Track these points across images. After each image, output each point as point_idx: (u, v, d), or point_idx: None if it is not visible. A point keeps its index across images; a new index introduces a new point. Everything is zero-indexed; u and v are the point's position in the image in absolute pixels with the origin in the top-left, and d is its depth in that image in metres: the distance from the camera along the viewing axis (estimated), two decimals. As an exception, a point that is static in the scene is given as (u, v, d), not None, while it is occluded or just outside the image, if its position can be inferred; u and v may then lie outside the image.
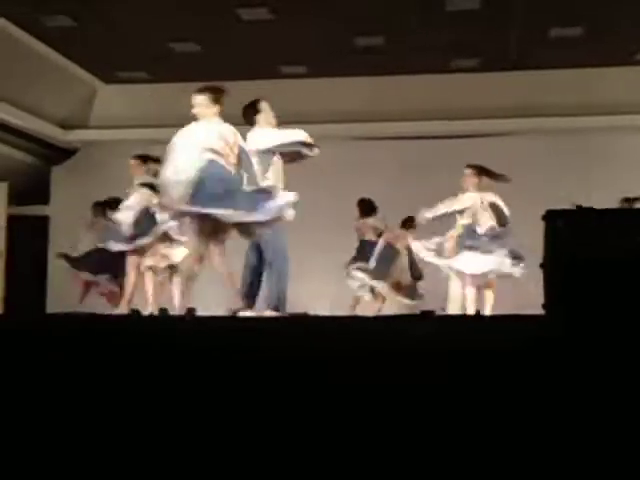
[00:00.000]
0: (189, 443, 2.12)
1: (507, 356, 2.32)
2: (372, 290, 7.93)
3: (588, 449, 2.01)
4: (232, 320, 4.41)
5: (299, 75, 9.44)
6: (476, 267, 6.66)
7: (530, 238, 6.60)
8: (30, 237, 10.11)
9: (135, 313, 6.48)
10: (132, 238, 6.43)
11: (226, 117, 5.47)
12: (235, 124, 5.23)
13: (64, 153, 10.61)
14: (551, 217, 2.78)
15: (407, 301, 7.91)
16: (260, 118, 5.33)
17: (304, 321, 4.39)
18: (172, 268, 6.63)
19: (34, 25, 8.09)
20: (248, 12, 7.75)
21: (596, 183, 8.88)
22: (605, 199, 6.79)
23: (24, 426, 2.25)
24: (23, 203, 10.31)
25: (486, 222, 6.81)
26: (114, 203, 7.53)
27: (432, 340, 2.56)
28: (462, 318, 6.38)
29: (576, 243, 2.64)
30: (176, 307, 6.38)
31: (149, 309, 6.51)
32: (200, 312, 5.77)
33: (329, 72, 9.30)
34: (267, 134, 5.22)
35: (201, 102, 5.03)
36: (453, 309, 6.87)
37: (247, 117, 5.37)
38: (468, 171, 6.94)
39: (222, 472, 2.09)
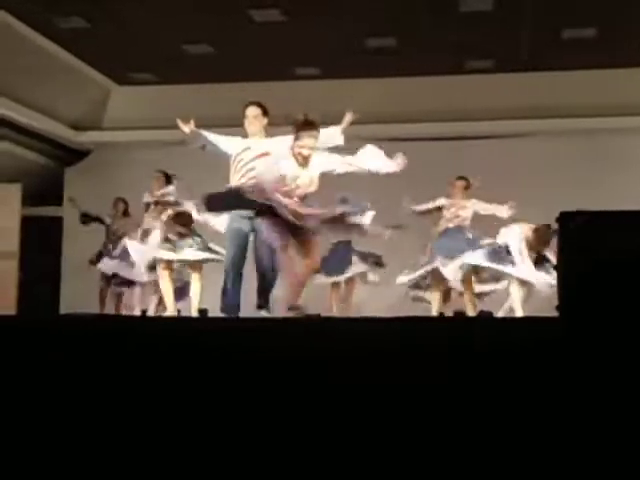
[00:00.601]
0: (194, 442, 2.13)
1: (519, 358, 2.31)
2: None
3: (601, 451, 2.00)
4: (243, 321, 4.42)
5: (312, 76, 9.45)
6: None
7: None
8: (43, 238, 10.16)
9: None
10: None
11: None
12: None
13: (77, 154, 10.66)
14: (565, 219, 2.77)
15: None
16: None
17: (307, 322, 4.39)
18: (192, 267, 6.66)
19: (47, 26, 8.14)
20: (260, 14, 7.76)
21: (609, 184, 8.85)
22: (618, 200, 6.79)
23: (34, 425, 2.27)
24: (36, 204, 10.37)
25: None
26: None
27: (446, 341, 2.55)
28: (479, 319, 6.37)
29: (590, 245, 2.63)
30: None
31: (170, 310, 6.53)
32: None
33: (342, 73, 9.30)
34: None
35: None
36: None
37: None
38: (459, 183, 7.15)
39: (226, 472, 2.09)
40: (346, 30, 8.08)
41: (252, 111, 5.33)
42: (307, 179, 4.77)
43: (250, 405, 2.21)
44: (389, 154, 9.86)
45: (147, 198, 7.31)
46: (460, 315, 7.57)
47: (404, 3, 7.49)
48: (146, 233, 6.99)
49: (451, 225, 7.05)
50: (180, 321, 5.07)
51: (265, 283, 5.14)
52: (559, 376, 2.22)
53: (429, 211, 7.22)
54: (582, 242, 2.65)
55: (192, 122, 5.34)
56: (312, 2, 7.48)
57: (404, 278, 7.17)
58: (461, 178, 7.22)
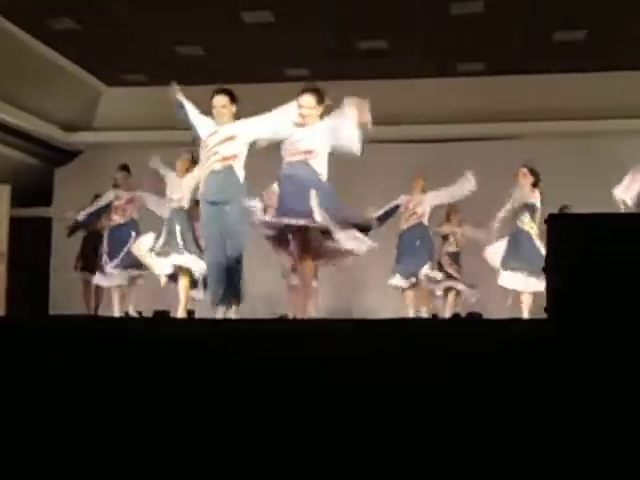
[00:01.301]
0: (192, 444, 2.12)
1: (508, 359, 2.32)
2: None
3: (590, 453, 2.01)
4: (231, 322, 4.42)
5: (302, 78, 9.44)
6: None
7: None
8: (33, 239, 10.13)
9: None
10: None
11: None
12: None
13: (68, 155, 10.63)
14: (553, 221, 2.78)
15: None
16: None
17: (304, 323, 4.39)
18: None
19: (38, 28, 8.11)
20: (251, 15, 7.76)
21: (600, 186, 8.87)
22: (607, 202, 6.82)
23: (24, 428, 2.25)
24: (26, 205, 10.33)
25: None
26: None
27: (434, 342, 2.56)
28: (466, 320, 6.39)
29: (578, 247, 2.64)
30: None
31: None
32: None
33: (333, 75, 9.30)
34: None
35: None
36: None
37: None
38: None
39: (225, 474, 2.08)
40: (337, 32, 8.09)
41: (220, 100, 5.22)
42: (308, 141, 4.74)
43: (249, 408, 2.20)
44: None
45: (110, 197, 7.34)
46: (455, 316, 7.60)
47: (395, 5, 7.50)
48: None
49: (411, 223, 7.11)
50: (176, 323, 5.06)
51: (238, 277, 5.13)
52: (547, 377, 2.23)
53: (390, 212, 7.23)
54: (570, 244, 2.66)
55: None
56: (303, 4, 7.47)
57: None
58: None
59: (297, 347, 2.48)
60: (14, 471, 2.08)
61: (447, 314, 7.45)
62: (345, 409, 2.11)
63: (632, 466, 1.96)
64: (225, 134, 5.13)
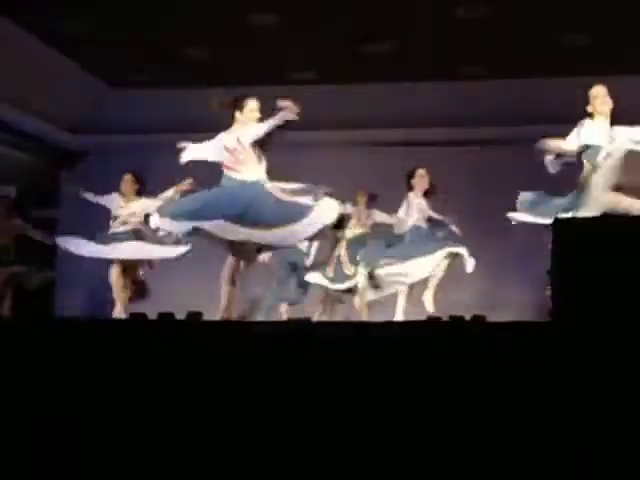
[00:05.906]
0: (188, 443, 2.13)
1: (512, 362, 2.32)
2: None
3: (593, 451, 2.01)
4: (234, 325, 4.43)
5: (308, 81, 9.46)
6: None
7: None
8: (38, 241, 10.12)
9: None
10: None
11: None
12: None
13: (73, 157, 10.65)
14: (559, 225, 2.78)
15: None
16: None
17: (307, 327, 4.40)
18: None
19: (43, 29, 8.14)
20: (257, 18, 7.78)
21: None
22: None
23: (27, 426, 2.26)
24: (32, 207, 10.34)
25: None
26: None
27: (439, 345, 2.56)
28: (470, 323, 6.39)
29: (583, 251, 2.64)
30: None
31: None
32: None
33: (338, 78, 9.32)
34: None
35: None
36: None
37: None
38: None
39: (223, 474, 2.09)
40: (343, 35, 8.10)
41: None
42: None
43: (249, 408, 2.21)
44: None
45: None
46: (456, 318, 7.59)
47: (401, 9, 7.51)
48: None
49: (414, 223, 7.19)
50: (175, 324, 5.07)
51: None
52: (552, 380, 2.23)
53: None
54: (575, 248, 2.66)
55: None
56: (309, 7, 7.50)
57: None
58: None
59: (299, 349, 2.49)
60: (15, 469, 2.09)
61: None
62: (346, 410, 2.12)
63: (635, 463, 1.96)
64: None
